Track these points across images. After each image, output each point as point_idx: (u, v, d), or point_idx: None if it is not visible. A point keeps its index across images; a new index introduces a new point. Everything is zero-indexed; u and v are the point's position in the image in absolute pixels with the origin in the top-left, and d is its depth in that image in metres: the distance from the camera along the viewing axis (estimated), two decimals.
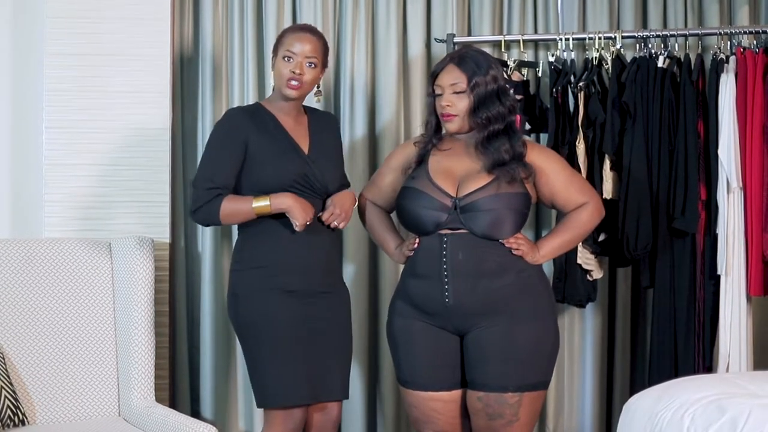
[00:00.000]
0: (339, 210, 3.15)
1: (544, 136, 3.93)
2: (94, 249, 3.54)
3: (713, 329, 3.72)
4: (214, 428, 3.13)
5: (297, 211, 3.06)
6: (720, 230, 3.66)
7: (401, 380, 3.16)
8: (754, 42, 3.72)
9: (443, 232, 3.02)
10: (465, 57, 3.07)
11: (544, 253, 3.11)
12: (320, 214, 3.15)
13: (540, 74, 3.99)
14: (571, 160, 3.71)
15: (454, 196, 3.03)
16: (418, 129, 3.83)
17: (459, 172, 3.07)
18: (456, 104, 3.05)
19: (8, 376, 3.26)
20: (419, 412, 3.12)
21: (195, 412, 3.95)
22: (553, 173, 3.12)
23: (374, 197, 3.31)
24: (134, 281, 3.46)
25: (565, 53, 3.87)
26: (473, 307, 3.00)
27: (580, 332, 4.12)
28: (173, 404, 3.85)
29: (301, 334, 3.12)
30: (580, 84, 3.77)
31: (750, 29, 3.76)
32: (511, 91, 3.20)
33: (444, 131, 3.15)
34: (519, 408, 3.00)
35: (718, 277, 3.68)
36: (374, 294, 4.05)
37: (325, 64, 3.21)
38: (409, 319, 3.09)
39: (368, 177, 3.77)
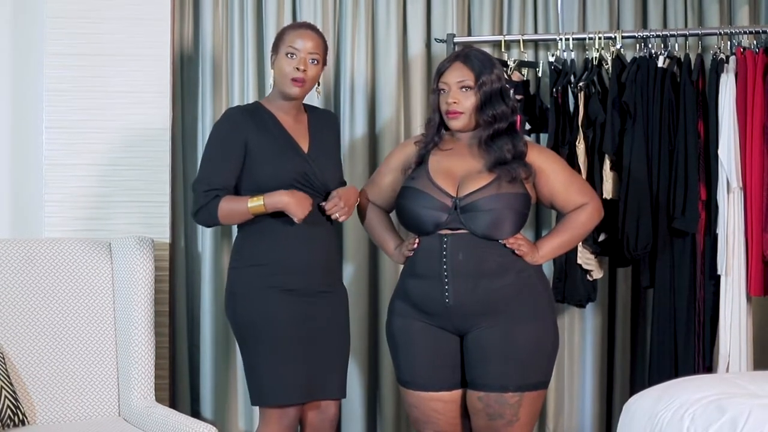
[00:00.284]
0: (343, 203, 3.15)
1: (544, 136, 3.93)
2: (94, 249, 3.54)
3: (713, 329, 3.72)
4: (214, 428, 3.13)
5: (293, 207, 3.05)
6: (720, 230, 3.66)
7: (401, 380, 3.16)
8: (754, 42, 3.72)
9: (443, 232, 3.02)
10: (470, 55, 3.09)
11: (544, 254, 3.11)
12: (323, 203, 3.14)
13: (540, 74, 3.99)
14: (571, 160, 3.71)
15: (455, 196, 3.03)
16: (418, 129, 3.83)
17: (459, 172, 3.07)
18: (462, 101, 3.05)
19: (8, 376, 3.26)
20: (419, 412, 3.12)
21: (195, 412, 3.95)
22: (552, 174, 3.12)
23: (374, 197, 3.31)
24: (134, 281, 3.46)
25: (565, 53, 3.87)
26: (473, 308, 3.00)
27: (580, 332, 4.12)
28: (173, 404, 3.85)
29: (300, 333, 3.12)
30: (580, 84, 3.77)
31: (750, 29, 3.76)
32: (512, 92, 3.21)
33: (443, 132, 3.15)
34: (519, 408, 3.00)
35: (718, 277, 3.68)
36: (374, 294, 4.05)
37: (325, 62, 3.21)
38: (408, 319, 3.09)
39: (368, 177, 3.76)
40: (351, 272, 3.97)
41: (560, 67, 3.85)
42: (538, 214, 4.07)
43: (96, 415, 3.43)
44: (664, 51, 3.76)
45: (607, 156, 3.74)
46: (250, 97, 3.92)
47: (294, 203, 3.06)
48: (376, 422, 4.09)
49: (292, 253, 3.12)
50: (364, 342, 4.00)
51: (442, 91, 3.10)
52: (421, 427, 3.16)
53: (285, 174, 3.11)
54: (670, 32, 3.81)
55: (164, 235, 3.80)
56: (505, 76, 3.35)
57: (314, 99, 3.42)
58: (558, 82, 3.82)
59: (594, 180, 3.73)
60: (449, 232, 3.02)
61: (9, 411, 3.19)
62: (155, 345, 3.50)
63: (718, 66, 3.67)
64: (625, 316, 4.09)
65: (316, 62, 3.14)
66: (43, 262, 3.47)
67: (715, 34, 3.81)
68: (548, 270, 3.80)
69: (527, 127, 3.85)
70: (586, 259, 3.78)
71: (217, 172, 3.11)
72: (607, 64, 3.82)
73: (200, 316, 3.97)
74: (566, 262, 3.78)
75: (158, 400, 3.52)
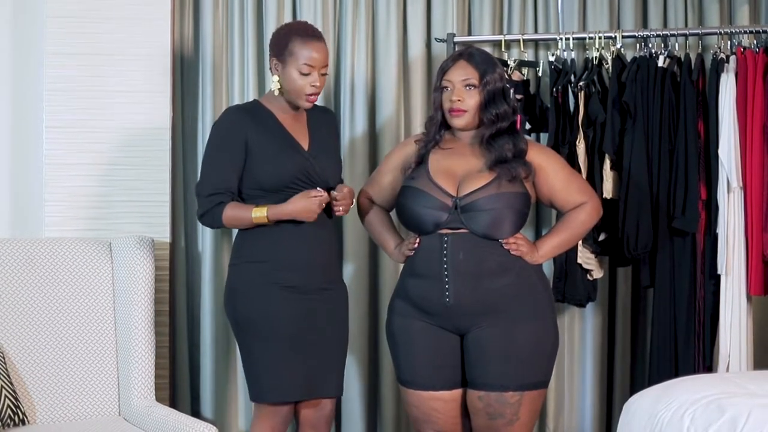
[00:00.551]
0: (348, 200, 3.16)
1: (544, 136, 3.93)
2: (94, 249, 3.54)
3: (713, 329, 3.72)
4: (214, 428, 3.13)
5: (302, 216, 3.06)
6: (720, 230, 3.66)
7: (401, 380, 3.16)
8: (755, 42, 3.71)
9: (443, 231, 3.02)
10: (474, 54, 3.10)
11: (543, 253, 3.11)
12: (331, 193, 3.14)
13: (540, 74, 3.99)
14: (571, 159, 3.71)
15: (455, 195, 3.03)
16: (418, 128, 3.83)
17: (459, 171, 3.07)
18: (466, 100, 3.06)
19: (8, 376, 3.26)
20: (419, 411, 3.12)
21: (195, 412, 3.95)
22: (552, 172, 3.13)
23: (374, 196, 3.31)
24: (134, 281, 3.46)
25: (565, 53, 3.87)
26: (474, 307, 3.00)
27: (580, 332, 4.12)
28: (173, 404, 3.86)
29: (300, 330, 3.12)
30: (581, 84, 3.77)
31: (750, 29, 3.76)
32: (512, 91, 3.21)
33: (443, 131, 3.15)
34: (520, 407, 3.01)
35: (719, 276, 3.68)
36: (374, 293, 4.05)
37: None
38: (408, 318, 3.10)
39: (368, 176, 3.76)
40: (351, 271, 3.97)
41: (560, 67, 3.85)
42: (538, 213, 4.07)
43: (96, 414, 3.43)
44: (665, 51, 3.76)
45: (607, 156, 3.73)
46: (250, 97, 3.91)
47: (299, 213, 3.06)
48: (376, 422, 4.09)
49: (293, 251, 3.12)
50: (364, 341, 4.00)
51: (445, 89, 3.10)
52: (421, 427, 3.16)
53: (286, 172, 3.11)
54: (671, 32, 3.81)
55: (164, 235, 3.80)
56: (506, 76, 3.35)
57: None
58: (558, 81, 3.82)
59: (594, 180, 3.73)
60: (449, 231, 3.02)
61: (9, 411, 3.19)
62: (155, 345, 3.50)
63: (719, 66, 3.67)
64: (625, 316, 4.09)
65: (325, 73, 3.14)
66: (43, 262, 3.47)
67: (716, 33, 3.80)
68: (548, 269, 3.79)
69: (527, 126, 3.85)
70: (586, 258, 3.78)
71: (220, 175, 3.11)
72: (607, 63, 3.81)
73: (200, 315, 3.97)
74: (566, 261, 3.78)
75: (158, 399, 3.52)
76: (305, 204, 3.07)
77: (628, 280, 4.07)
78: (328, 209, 3.18)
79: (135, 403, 3.39)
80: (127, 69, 3.77)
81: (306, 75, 3.08)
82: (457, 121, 3.09)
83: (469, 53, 3.11)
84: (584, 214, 3.15)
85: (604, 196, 3.71)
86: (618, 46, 3.82)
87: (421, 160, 3.14)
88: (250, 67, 3.96)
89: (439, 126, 3.14)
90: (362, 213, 3.35)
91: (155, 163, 3.79)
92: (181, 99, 3.96)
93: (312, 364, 3.14)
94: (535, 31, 4.09)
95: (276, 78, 3.15)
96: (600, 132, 3.75)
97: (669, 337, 3.75)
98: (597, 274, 3.83)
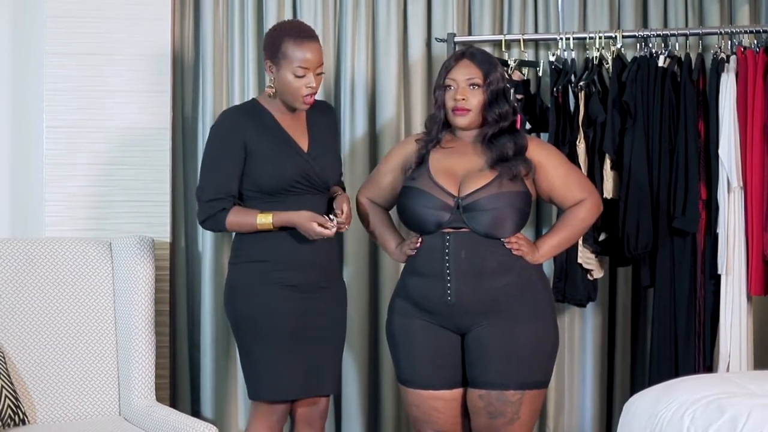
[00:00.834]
0: (349, 215, 3.15)
1: (544, 136, 3.92)
2: (94, 249, 3.54)
3: (713, 329, 3.72)
4: (215, 428, 3.14)
5: (303, 231, 3.06)
6: (720, 230, 3.66)
7: (401, 379, 3.16)
8: (755, 41, 3.71)
9: (445, 230, 3.02)
10: (477, 54, 3.11)
11: (544, 252, 3.11)
12: (332, 216, 3.10)
13: (540, 74, 3.99)
14: (572, 159, 3.69)
15: (456, 195, 3.03)
16: (418, 128, 3.83)
17: (460, 170, 3.08)
18: (470, 99, 3.06)
19: (8, 376, 3.26)
20: (419, 411, 3.12)
21: (195, 412, 3.95)
22: (552, 168, 3.13)
23: (373, 196, 3.31)
24: (134, 281, 3.46)
25: (565, 53, 3.87)
26: (475, 306, 3.00)
27: (580, 332, 4.12)
28: (174, 404, 3.86)
29: (299, 329, 3.13)
30: (581, 83, 3.76)
31: (750, 29, 3.76)
32: (512, 91, 3.21)
33: (444, 131, 3.15)
34: (520, 406, 3.01)
35: (719, 276, 3.68)
36: (374, 292, 4.05)
37: None
38: (408, 317, 3.10)
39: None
40: (351, 271, 3.97)
41: (560, 67, 3.85)
42: (539, 212, 4.07)
43: (96, 414, 3.43)
44: (665, 50, 3.76)
45: (607, 155, 3.73)
46: (251, 98, 3.91)
47: (301, 227, 3.06)
48: (376, 421, 4.09)
49: (293, 250, 3.12)
50: (364, 341, 4.00)
51: (448, 88, 3.10)
52: (421, 426, 3.16)
53: (285, 173, 3.11)
54: (671, 32, 3.81)
55: (164, 235, 3.80)
56: (506, 76, 3.36)
57: None
58: (558, 81, 3.82)
59: (594, 179, 3.73)
60: (451, 230, 3.02)
61: (9, 410, 3.19)
62: (155, 345, 3.50)
63: (719, 65, 3.67)
64: (625, 315, 4.09)
65: (321, 73, 3.13)
66: (43, 262, 3.47)
67: (716, 33, 3.80)
68: (549, 269, 3.79)
69: (528, 126, 3.85)
70: (586, 258, 3.78)
71: (220, 179, 3.10)
72: (607, 63, 3.81)
73: (201, 315, 3.96)
74: (567, 261, 3.78)
75: (159, 399, 3.52)
76: (309, 227, 3.05)
77: (628, 280, 4.07)
78: (329, 206, 3.18)
79: (135, 403, 3.39)
80: (127, 69, 3.77)
81: (301, 77, 3.07)
82: (461, 120, 3.09)
83: (471, 53, 3.11)
84: (584, 212, 3.15)
85: (604, 196, 3.71)
86: (618, 46, 3.82)
87: (422, 160, 3.14)
88: (250, 67, 3.96)
89: (441, 125, 3.14)
90: (361, 213, 3.34)
91: (155, 163, 3.79)
92: (181, 99, 3.96)
93: (310, 363, 3.15)
94: (536, 31, 4.09)
95: (270, 78, 3.14)
96: (600, 132, 3.75)
97: (669, 337, 3.75)
98: (597, 274, 3.83)
